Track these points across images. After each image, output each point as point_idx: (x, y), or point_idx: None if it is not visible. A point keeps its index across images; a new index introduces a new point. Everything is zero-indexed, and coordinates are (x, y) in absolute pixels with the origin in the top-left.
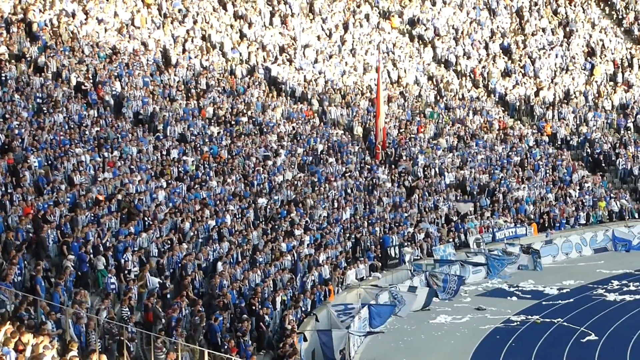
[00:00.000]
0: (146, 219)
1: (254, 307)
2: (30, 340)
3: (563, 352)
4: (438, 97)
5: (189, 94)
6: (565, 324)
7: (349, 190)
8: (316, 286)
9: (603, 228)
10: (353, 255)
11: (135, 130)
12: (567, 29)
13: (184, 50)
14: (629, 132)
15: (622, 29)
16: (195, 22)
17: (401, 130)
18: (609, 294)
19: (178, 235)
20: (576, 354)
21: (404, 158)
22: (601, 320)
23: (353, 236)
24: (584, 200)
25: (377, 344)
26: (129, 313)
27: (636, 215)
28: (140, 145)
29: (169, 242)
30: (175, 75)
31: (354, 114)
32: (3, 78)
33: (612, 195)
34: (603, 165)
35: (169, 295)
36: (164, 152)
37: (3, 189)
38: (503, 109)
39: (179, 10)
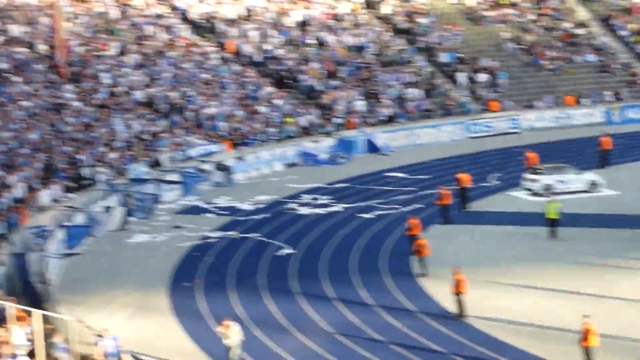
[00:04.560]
0: None
1: None
2: None
3: (261, 266)
4: (123, 14)
5: None
6: (261, 238)
7: (36, 111)
8: (9, 209)
9: (293, 144)
10: (46, 176)
11: None
12: None
13: None
14: (310, 48)
15: None
16: None
17: (86, 48)
18: (301, 208)
19: None
20: (274, 267)
21: (89, 77)
22: (295, 233)
23: (44, 157)
24: (272, 117)
25: (76, 266)
26: None
27: (323, 131)
28: None
29: None
30: None
31: (36, 31)
32: None
33: (299, 111)
34: (288, 81)
35: None
36: None
37: None
38: (188, 26)
39: None
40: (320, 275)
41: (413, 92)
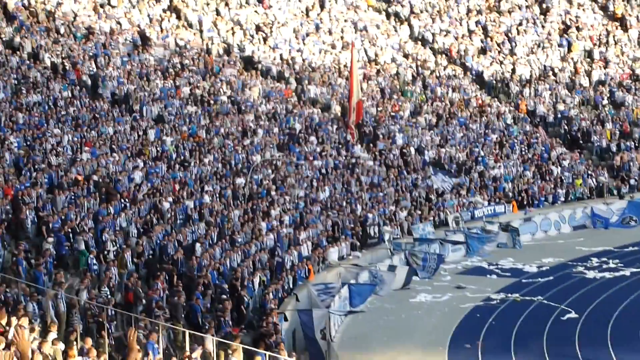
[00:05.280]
0: (124, 199)
1: (235, 287)
2: (12, 321)
3: (543, 330)
4: (415, 75)
5: (165, 74)
6: (545, 301)
7: (328, 169)
8: (296, 265)
9: (582, 205)
10: (333, 234)
11: (112, 110)
12: (543, 6)
13: (161, 30)
14: (605, 108)
15: (598, 5)
16: (171, 1)
17: (379, 109)
18: (588, 272)
19: (157, 216)
20: (556, 331)
21: (382, 137)
22: (581, 297)
23: (333, 214)
24: (562, 178)
25: (357, 324)
26: (108, 294)
27: (614, 192)
28: (117, 126)
29: (148, 222)
30: (151, 55)
31: (333, 92)
32: None
33: (590, 172)
34: (580, 142)
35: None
36: (141, 132)
37: None
38: (479, 86)
39: None
40: (605, 342)
41: None
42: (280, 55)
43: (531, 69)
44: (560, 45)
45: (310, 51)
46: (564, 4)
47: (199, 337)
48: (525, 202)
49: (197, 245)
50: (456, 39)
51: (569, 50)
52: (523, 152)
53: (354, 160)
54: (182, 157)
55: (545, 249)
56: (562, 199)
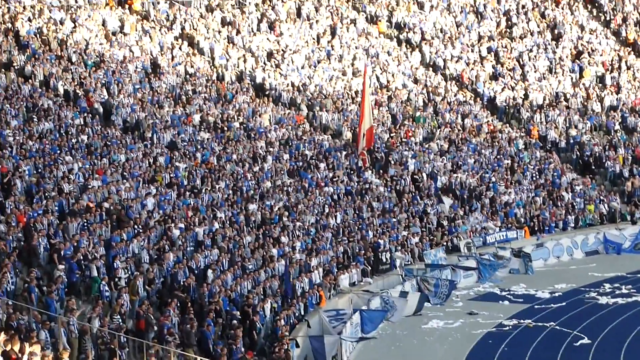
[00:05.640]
0: (137, 226)
1: (247, 314)
2: (25, 348)
3: (556, 356)
4: (426, 101)
5: (177, 101)
6: (557, 327)
7: (340, 195)
8: (307, 291)
9: (594, 231)
10: (344, 260)
11: (124, 137)
12: (555, 32)
13: (172, 58)
14: (617, 134)
15: (610, 30)
16: (182, 28)
17: (391, 135)
18: (601, 297)
19: (168, 243)
20: (569, 358)
21: (394, 162)
22: (594, 323)
23: (344, 241)
24: (574, 204)
25: (369, 350)
26: (120, 321)
27: (627, 218)
28: (129, 153)
29: (160, 249)
30: (162, 82)
31: (344, 119)
32: None
33: (602, 198)
34: (592, 167)
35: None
36: (152, 159)
37: None
38: (491, 112)
39: (167, 17)
40: None
41: None
42: (292, 82)
43: (543, 94)
44: (572, 70)
45: (321, 78)
46: (575, 30)
47: None
48: (536, 228)
49: (209, 271)
50: (467, 65)
51: (581, 76)
52: (535, 178)
53: (365, 186)
54: (192, 184)
55: (557, 274)
56: (572, 225)
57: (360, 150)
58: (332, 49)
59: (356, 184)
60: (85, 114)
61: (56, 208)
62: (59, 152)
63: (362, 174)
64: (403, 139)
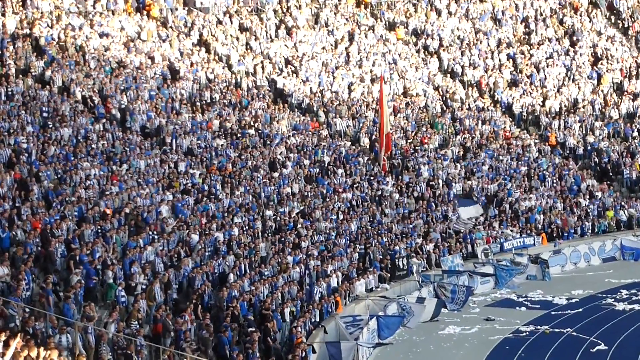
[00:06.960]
0: (152, 232)
1: (264, 319)
2: (41, 353)
3: None
4: (444, 108)
5: (195, 107)
6: (574, 333)
7: (357, 201)
8: (324, 297)
9: (611, 237)
10: (361, 266)
11: (142, 143)
12: (573, 38)
13: (191, 64)
14: (635, 140)
15: (628, 37)
16: (200, 35)
17: (409, 141)
18: (618, 304)
19: (185, 248)
20: None
21: (409, 169)
22: (610, 329)
23: (361, 247)
24: (588, 210)
25: (385, 356)
26: (137, 326)
27: None
28: (147, 159)
29: (176, 255)
30: (181, 88)
31: (361, 125)
32: (10, 93)
33: (621, 204)
34: (610, 174)
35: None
36: (171, 165)
37: (11, 203)
38: (510, 119)
39: (185, 24)
40: None
41: None
42: (310, 88)
43: (561, 101)
44: (590, 77)
45: (339, 84)
46: (593, 37)
47: None
48: (554, 235)
49: (230, 276)
50: (486, 71)
51: (599, 83)
52: (554, 184)
53: (381, 193)
54: (210, 190)
55: (574, 281)
56: (589, 231)
57: (382, 156)
58: (350, 55)
59: (373, 190)
60: (104, 120)
61: (75, 214)
62: (77, 158)
63: (383, 179)
64: (416, 147)
